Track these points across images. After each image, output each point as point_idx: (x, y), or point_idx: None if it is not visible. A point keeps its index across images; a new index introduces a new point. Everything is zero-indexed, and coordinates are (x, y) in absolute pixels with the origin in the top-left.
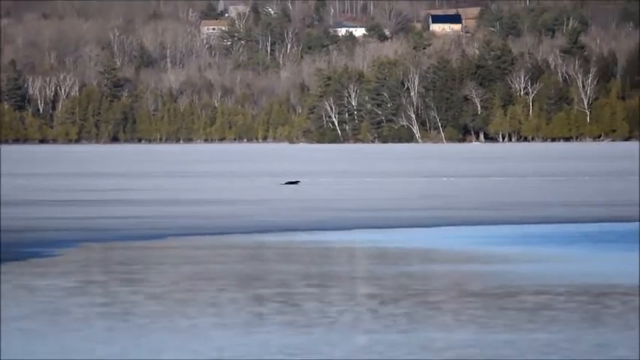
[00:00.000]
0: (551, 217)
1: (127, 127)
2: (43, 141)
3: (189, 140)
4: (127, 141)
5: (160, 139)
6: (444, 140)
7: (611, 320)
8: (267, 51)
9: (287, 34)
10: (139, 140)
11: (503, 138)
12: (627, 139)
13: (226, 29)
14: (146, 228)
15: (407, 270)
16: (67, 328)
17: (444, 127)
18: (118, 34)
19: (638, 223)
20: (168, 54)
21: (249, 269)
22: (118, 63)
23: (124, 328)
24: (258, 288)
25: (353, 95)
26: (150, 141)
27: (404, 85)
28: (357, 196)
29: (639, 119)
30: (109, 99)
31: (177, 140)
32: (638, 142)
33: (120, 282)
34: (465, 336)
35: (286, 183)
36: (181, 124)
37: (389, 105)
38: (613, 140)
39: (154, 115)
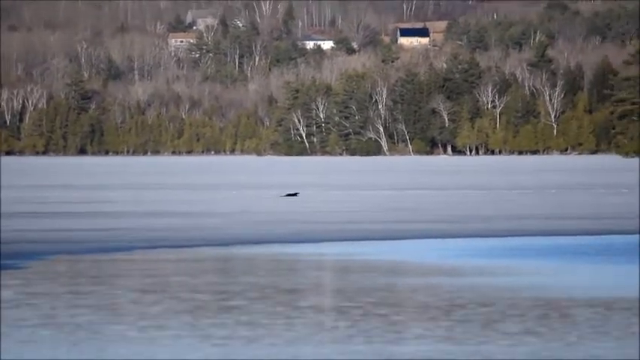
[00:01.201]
0: (518, 230)
1: (94, 140)
2: (9, 153)
3: (156, 152)
4: (94, 153)
5: (128, 152)
6: (412, 153)
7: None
8: (235, 63)
9: (255, 46)
10: (107, 152)
11: (471, 151)
12: (594, 152)
13: (194, 42)
14: (113, 240)
15: (373, 282)
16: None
17: (411, 139)
18: (85, 46)
19: (606, 236)
20: (135, 66)
21: (213, 281)
22: (86, 75)
23: (62, 339)
24: (218, 300)
25: (321, 108)
26: (117, 153)
27: (372, 98)
28: (325, 209)
29: (606, 133)
30: (76, 111)
31: (145, 152)
32: (604, 155)
33: (71, 294)
34: (427, 347)
35: (286, 195)
36: (149, 137)
37: (357, 118)
38: (580, 153)
39: (121, 127)
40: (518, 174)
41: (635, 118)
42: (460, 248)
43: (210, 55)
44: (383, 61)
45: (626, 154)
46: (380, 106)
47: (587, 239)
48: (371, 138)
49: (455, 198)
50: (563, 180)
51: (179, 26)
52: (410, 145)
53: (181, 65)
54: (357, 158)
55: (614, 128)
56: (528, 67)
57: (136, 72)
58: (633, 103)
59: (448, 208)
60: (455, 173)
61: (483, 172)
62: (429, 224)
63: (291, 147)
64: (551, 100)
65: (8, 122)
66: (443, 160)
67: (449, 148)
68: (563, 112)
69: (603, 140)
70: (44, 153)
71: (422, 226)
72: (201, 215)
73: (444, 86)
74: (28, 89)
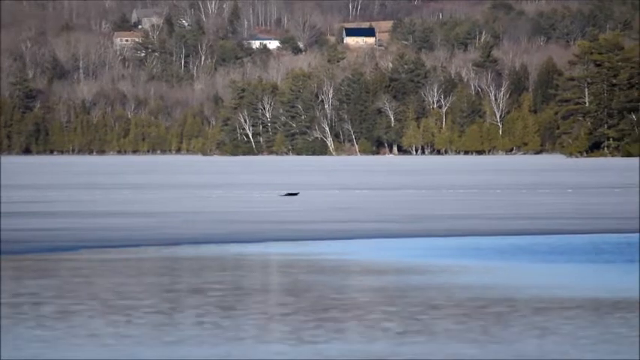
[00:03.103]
0: (463, 230)
1: (39, 139)
2: None
3: (102, 152)
4: (39, 152)
5: (73, 151)
6: (358, 153)
7: (513, 325)
8: (181, 63)
9: (201, 46)
10: (52, 152)
11: (417, 151)
12: (539, 152)
13: (140, 41)
14: (59, 240)
15: (320, 280)
16: None
17: (357, 139)
18: (30, 45)
19: (549, 235)
20: (81, 65)
21: (156, 281)
22: (30, 74)
23: None
24: (155, 299)
25: (267, 107)
26: (62, 152)
27: (318, 98)
28: (271, 209)
29: (550, 133)
30: (21, 110)
31: (90, 152)
32: (549, 155)
33: (9, 295)
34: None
35: (286, 194)
36: (94, 136)
37: (303, 117)
38: (525, 153)
39: (66, 126)
40: (463, 174)
41: (579, 118)
42: (406, 247)
43: (156, 54)
44: (329, 61)
45: (571, 154)
46: (326, 106)
47: (530, 239)
48: (317, 138)
49: (401, 198)
50: (509, 180)
51: (124, 25)
52: (356, 145)
53: (127, 64)
54: (303, 158)
55: (558, 128)
56: (474, 67)
57: (81, 71)
58: (577, 103)
59: (394, 207)
60: (401, 173)
61: (429, 171)
62: (374, 224)
63: (237, 147)
64: (496, 100)
65: None
66: (389, 160)
67: (395, 148)
68: (508, 112)
69: (548, 140)
70: None
71: (368, 225)
72: (145, 215)
73: (389, 86)
74: None
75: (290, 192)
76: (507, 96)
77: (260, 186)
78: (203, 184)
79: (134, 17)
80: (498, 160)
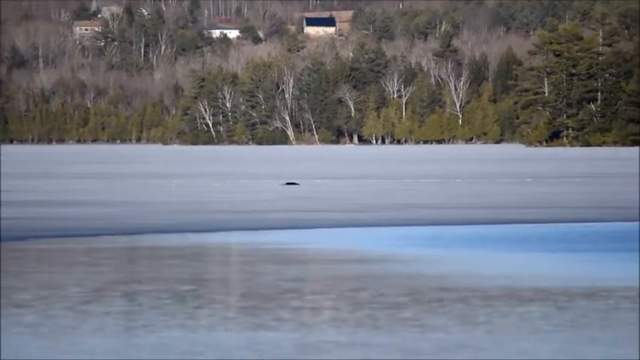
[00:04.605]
0: (425, 219)
1: None
2: None
3: (61, 141)
4: None
5: (32, 140)
6: (318, 142)
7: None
8: (140, 52)
9: (161, 35)
10: (11, 141)
11: (377, 140)
12: (498, 141)
13: (99, 30)
14: (13, 230)
15: (277, 270)
16: None
17: (317, 129)
18: None
19: (509, 225)
20: (40, 54)
21: (113, 271)
22: None
23: None
24: (114, 290)
25: (227, 97)
26: (22, 142)
27: (278, 88)
28: (231, 198)
29: (510, 122)
30: None
31: (50, 141)
32: (508, 145)
33: None
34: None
35: (286, 184)
36: (53, 125)
37: (263, 107)
38: (485, 143)
39: (25, 115)
40: (424, 163)
41: (538, 108)
42: (367, 237)
43: (116, 43)
44: (289, 51)
45: (530, 144)
46: (286, 96)
47: (491, 228)
48: (277, 127)
49: (361, 187)
50: (469, 169)
51: (84, 14)
52: (316, 135)
53: (86, 53)
54: (263, 147)
55: (518, 118)
56: (434, 57)
57: (40, 60)
58: (537, 93)
59: (355, 197)
60: (361, 162)
61: (389, 161)
62: (336, 213)
63: (197, 136)
64: (456, 89)
65: None
66: (349, 150)
67: (355, 138)
68: (468, 102)
69: (507, 129)
70: None
71: (329, 215)
72: (106, 204)
73: (350, 76)
74: None
75: (290, 182)
76: (467, 86)
77: (221, 176)
78: (163, 174)
79: (93, 6)
80: (458, 149)
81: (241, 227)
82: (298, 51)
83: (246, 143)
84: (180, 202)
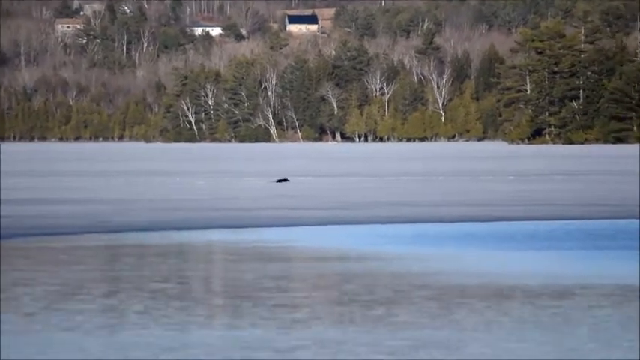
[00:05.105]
0: (407, 217)
1: None
2: None
3: (43, 139)
4: None
5: (14, 138)
6: (301, 140)
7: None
8: (123, 50)
9: (143, 32)
10: None
11: (360, 138)
12: (481, 139)
13: (82, 27)
14: None
15: (263, 268)
16: None
17: (300, 126)
18: None
19: (493, 222)
20: (22, 52)
21: (94, 269)
22: None
23: None
24: (95, 287)
25: (210, 95)
26: (3, 139)
27: (261, 85)
28: (212, 196)
29: (492, 120)
30: None
31: (32, 139)
32: (491, 142)
33: None
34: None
35: (277, 181)
36: (36, 123)
37: (246, 104)
38: (467, 140)
39: (7, 113)
40: (406, 161)
41: (521, 106)
42: (350, 235)
43: (98, 41)
44: (272, 48)
45: (512, 141)
46: (269, 93)
47: (473, 226)
48: (260, 125)
49: (345, 185)
50: (451, 167)
51: (66, 12)
52: (299, 132)
53: (68, 51)
54: (246, 145)
55: (500, 115)
56: (416, 55)
57: (22, 58)
58: (519, 91)
59: (338, 195)
60: (344, 160)
61: (372, 159)
62: (319, 211)
63: (180, 134)
64: (438, 87)
65: None
66: (332, 147)
67: (338, 135)
68: (450, 100)
69: (490, 127)
70: None
71: (312, 213)
72: (89, 202)
73: (332, 73)
74: None
75: (280, 179)
76: (450, 83)
77: (201, 173)
78: (146, 172)
79: (76, 4)
80: (441, 147)
81: (225, 225)
82: (281, 49)
83: (229, 141)
84: (164, 200)
